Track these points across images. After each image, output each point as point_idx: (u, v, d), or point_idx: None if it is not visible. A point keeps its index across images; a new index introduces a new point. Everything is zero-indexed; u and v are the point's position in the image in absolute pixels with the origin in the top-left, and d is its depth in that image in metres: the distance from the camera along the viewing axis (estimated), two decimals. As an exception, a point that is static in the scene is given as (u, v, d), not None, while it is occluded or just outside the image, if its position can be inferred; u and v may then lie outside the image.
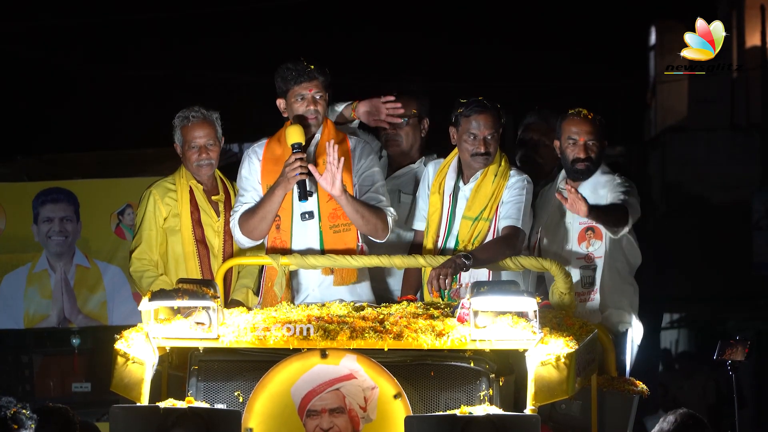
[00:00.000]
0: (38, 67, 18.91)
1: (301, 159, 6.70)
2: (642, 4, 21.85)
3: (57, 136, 18.18)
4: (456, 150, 7.07)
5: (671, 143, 20.56)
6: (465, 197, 6.98)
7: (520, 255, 6.82)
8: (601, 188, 7.15)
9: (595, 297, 7.06)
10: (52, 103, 19.25)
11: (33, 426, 6.54)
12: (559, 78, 20.82)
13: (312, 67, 6.87)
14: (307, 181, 6.73)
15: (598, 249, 7.08)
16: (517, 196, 6.95)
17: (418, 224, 7.13)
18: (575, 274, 7.05)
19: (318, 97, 6.89)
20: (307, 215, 6.87)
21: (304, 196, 6.72)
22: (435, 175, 7.06)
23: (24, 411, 6.60)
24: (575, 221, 7.12)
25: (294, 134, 6.78)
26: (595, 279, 7.06)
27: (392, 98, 7.27)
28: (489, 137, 6.91)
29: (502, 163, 6.99)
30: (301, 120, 6.87)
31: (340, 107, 7.35)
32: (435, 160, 7.20)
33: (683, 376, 15.74)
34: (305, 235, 6.90)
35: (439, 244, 6.98)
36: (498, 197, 6.94)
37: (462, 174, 7.03)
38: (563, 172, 7.27)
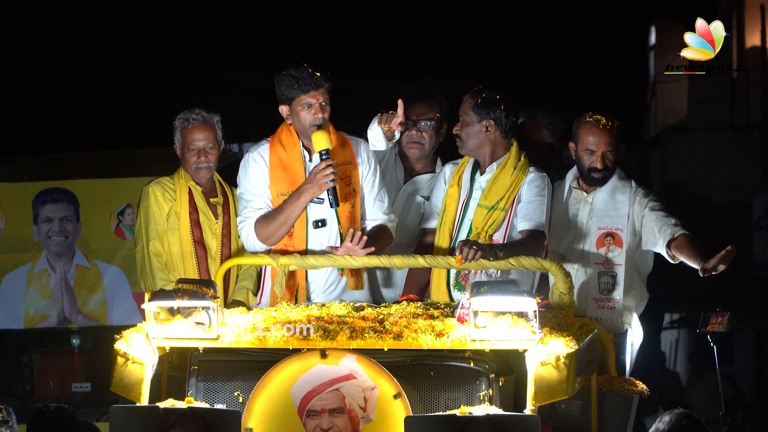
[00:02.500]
0: (39, 67, 18.91)
1: (332, 165, 6.70)
2: (642, 4, 21.85)
3: (57, 136, 18.18)
4: None
5: (671, 143, 20.55)
6: (480, 187, 7.01)
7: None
8: (619, 193, 7.16)
9: (617, 305, 7.07)
10: (53, 103, 19.25)
11: (7, 429, 6.52)
12: (559, 78, 20.81)
13: (318, 74, 6.85)
14: (336, 187, 6.75)
15: (618, 256, 7.08)
16: (539, 196, 6.97)
17: (431, 223, 7.13)
18: (591, 277, 7.06)
19: (325, 104, 6.89)
20: (319, 223, 6.87)
21: (336, 202, 6.73)
22: (454, 172, 7.09)
23: (3, 412, 6.58)
24: (593, 225, 7.13)
25: (321, 141, 6.77)
26: (615, 286, 7.06)
27: (380, 118, 7.18)
28: (461, 120, 6.99)
29: (522, 158, 7.02)
30: (318, 126, 6.86)
31: (377, 134, 7.21)
32: (454, 161, 7.21)
33: (695, 375, 15.73)
34: (318, 242, 6.89)
35: (453, 231, 6.98)
36: (515, 189, 6.96)
37: (479, 166, 7.05)
38: (573, 172, 7.28)
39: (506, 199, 6.96)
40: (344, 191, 6.91)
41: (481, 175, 7.05)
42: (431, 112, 7.35)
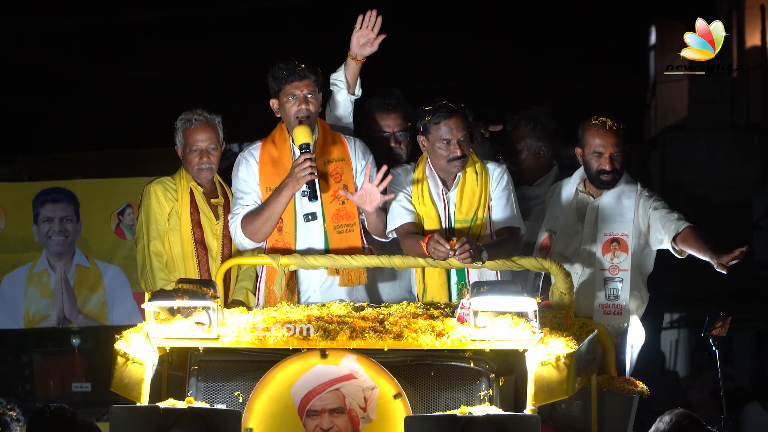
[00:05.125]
0: (39, 67, 18.91)
1: (310, 159, 6.71)
2: (642, 4, 21.84)
3: (57, 136, 18.17)
4: (422, 157, 7.01)
5: (671, 143, 20.55)
6: (453, 203, 6.95)
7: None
8: (625, 198, 7.15)
9: (624, 310, 7.07)
10: (53, 103, 19.24)
11: (19, 428, 6.55)
12: (560, 78, 20.81)
13: (303, 66, 6.87)
14: (316, 181, 6.74)
15: (623, 261, 7.08)
16: (506, 190, 6.93)
17: (401, 219, 6.92)
18: (597, 283, 7.06)
19: (309, 97, 6.88)
20: (310, 216, 6.87)
21: (314, 195, 6.72)
22: (410, 185, 6.97)
23: (12, 413, 6.60)
24: (599, 230, 7.12)
25: (302, 135, 6.78)
26: (622, 291, 7.06)
27: (360, 20, 7.12)
28: (462, 139, 6.85)
29: (475, 159, 6.97)
30: (300, 120, 6.87)
31: (339, 75, 7.24)
32: (399, 167, 7.07)
33: (692, 375, 15.74)
34: (309, 236, 6.91)
35: None
36: (486, 194, 6.91)
37: (444, 181, 6.97)
38: (579, 174, 7.27)
39: (482, 207, 6.91)
40: (334, 188, 6.92)
41: (449, 190, 6.96)
42: (404, 122, 7.41)
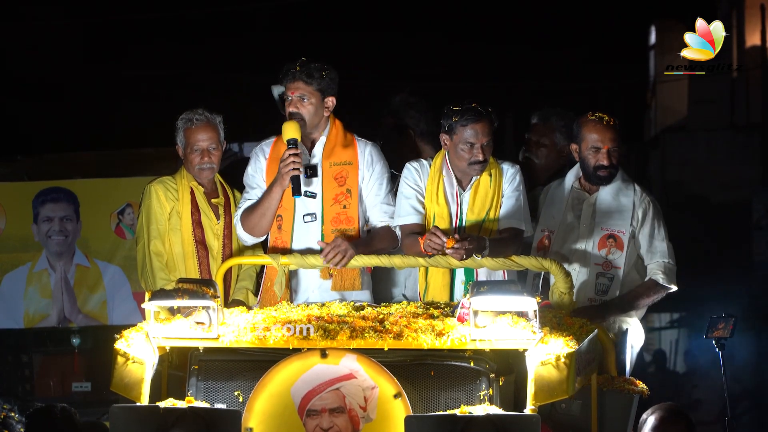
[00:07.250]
0: (38, 67, 18.91)
1: (294, 155, 6.73)
2: (642, 4, 21.84)
3: (57, 136, 18.17)
4: (440, 154, 7.03)
5: (671, 143, 20.57)
6: (466, 203, 6.95)
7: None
8: (623, 196, 7.16)
9: None
10: (52, 103, 19.24)
11: (21, 430, 6.56)
12: (559, 78, 20.81)
13: (298, 68, 6.87)
14: (301, 177, 6.76)
15: (618, 258, 7.09)
16: (516, 191, 6.95)
17: (408, 218, 6.95)
18: (589, 278, 7.06)
19: (303, 100, 6.89)
20: (309, 217, 6.88)
21: (297, 191, 6.76)
22: (426, 181, 6.99)
23: (13, 414, 6.61)
24: (596, 226, 7.13)
25: (289, 130, 6.81)
26: (611, 288, 7.06)
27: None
28: (486, 144, 6.87)
29: (491, 161, 6.97)
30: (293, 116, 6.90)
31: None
32: (416, 162, 7.09)
33: (698, 375, 15.75)
34: (307, 236, 6.91)
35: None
36: (499, 195, 6.93)
37: (460, 181, 6.99)
38: (573, 172, 7.27)
39: (494, 208, 6.92)
40: (336, 191, 6.91)
41: (464, 190, 6.97)
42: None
